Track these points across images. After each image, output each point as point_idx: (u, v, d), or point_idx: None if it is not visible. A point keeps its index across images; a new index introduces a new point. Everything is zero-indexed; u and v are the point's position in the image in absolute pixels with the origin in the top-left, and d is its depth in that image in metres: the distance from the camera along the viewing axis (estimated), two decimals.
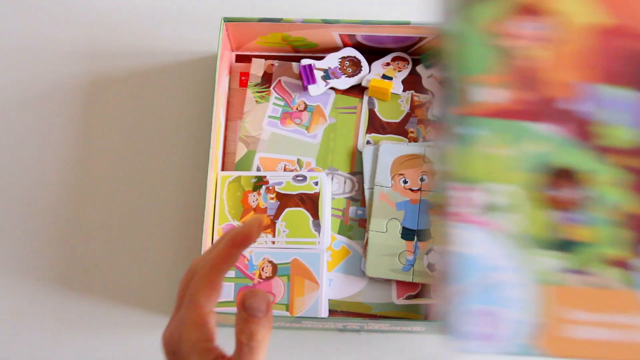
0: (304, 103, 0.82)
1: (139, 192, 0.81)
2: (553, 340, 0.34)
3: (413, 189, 0.77)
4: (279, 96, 0.82)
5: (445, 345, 0.35)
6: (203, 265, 0.48)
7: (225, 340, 0.80)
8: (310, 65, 0.81)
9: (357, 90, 0.82)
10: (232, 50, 0.85)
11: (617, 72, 0.35)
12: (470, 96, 0.35)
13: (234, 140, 0.81)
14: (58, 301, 0.78)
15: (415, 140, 0.80)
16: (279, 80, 0.82)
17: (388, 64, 0.82)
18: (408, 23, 0.78)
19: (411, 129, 0.80)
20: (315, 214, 0.76)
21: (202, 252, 0.72)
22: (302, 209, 0.77)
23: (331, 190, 0.79)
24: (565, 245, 0.35)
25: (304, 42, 0.83)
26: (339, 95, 0.82)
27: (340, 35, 0.81)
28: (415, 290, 0.76)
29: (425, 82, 0.82)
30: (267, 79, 0.83)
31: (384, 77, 0.81)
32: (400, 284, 0.76)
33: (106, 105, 0.85)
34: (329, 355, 0.76)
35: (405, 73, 0.82)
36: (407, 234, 0.76)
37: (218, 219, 0.77)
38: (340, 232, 0.77)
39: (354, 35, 0.81)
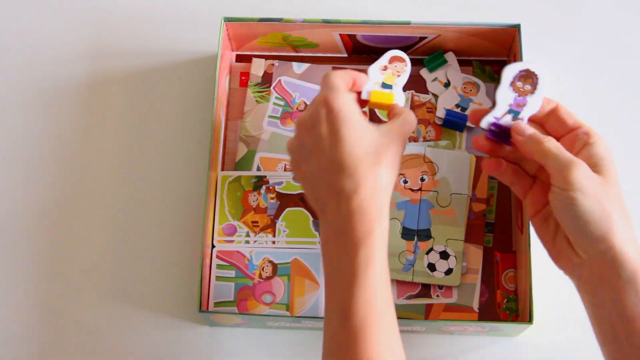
0: (304, 103, 0.82)
1: (139, 192, 0.81)
2: None
3: (413, 189, 0.77)
4: (279, 96, 0.82)
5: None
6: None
7: (225, 340, 0.80)
8: None
9: None
10: (232, 50, 0.85)
11: None
12: None
13: (234, 140, 0.81)
14: (58, 301, 0.78)
15: (415, 140, 0.80)
16: (279, 80, 0.82)
17: (386, 68, 0.72)
18: (408, 23, 0.78)
19: None
20: (315, 214, 0.76)
21: (202, 252, 0.72)
22: (302, 209, 0.77)
23: None
24: None
25: (304, 42, 0.83)
26: None
27: (340, 35, 0.81)
28: (415, 290, 0.76)
29: (430, 86, 0.81)
30: (267, 78, 0.83)
31: (384, 85, 0.71)
32: (400, 284, 0.76)
33: (106, 105, 0.85)
34: None
35: (405, 77, 0.72)
36: (407, 234, 0.76)
37: (218, 219, 0.77)
38: None
39: (354, 35, 0.81)
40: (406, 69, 0.68)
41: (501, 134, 0.62)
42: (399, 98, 0.67)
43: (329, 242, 0.58)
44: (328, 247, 0.58)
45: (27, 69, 0.86)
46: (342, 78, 0.62)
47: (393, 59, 0.69)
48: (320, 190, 0.59)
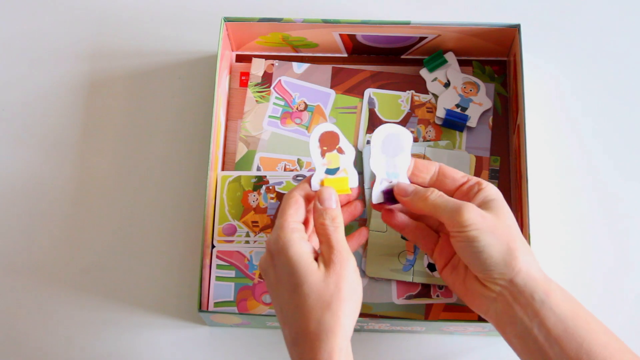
0: (304, 103, 0.82)
1: (139, 192, 0.81)
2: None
3: None
4: (279, 96, 0.82)
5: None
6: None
7: (225, 340, 0.80)
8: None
9: (357, 90, 0.82)
10: (232, 50, 0.85)
11: None
12: None
13: (234, 140, 0.81)
14: (58, 301, 0.78)
15: (415, 140, 0.80)
16: (279, 80, 0.82)
17: (324, 150, 0.64)
18: (408, 23, 0.78)
19: (411, 129, 0.80)
20: None
21: (202, 252, 0.72)
22: None
23: None
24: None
25: (304, 42, 0.83)
26: (339, 95, 0.82)
27: (340, 35, 0.81)
28: (415, 290, 0.76)
29: (430, 86, 0.81)
30: (267, 78, 0.83)
31: (329, 172, 0.64)
32: (400, 283, 0.76)
33: (106, 105, 0.85)
34: None
35: (350, 152, 0.65)
36: None
37: (218, 219, 0.77)
38: None
39: (354, 35, 0.81)
40: (344, 145, 0.64)
41: (392, 198, 0.65)
42: (352, 180, 0.64)
43: None
44: None
45: (27, 68, 0.86)
46: (292, 202, 0.61)
47: (324, 138, 0.64)
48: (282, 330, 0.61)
